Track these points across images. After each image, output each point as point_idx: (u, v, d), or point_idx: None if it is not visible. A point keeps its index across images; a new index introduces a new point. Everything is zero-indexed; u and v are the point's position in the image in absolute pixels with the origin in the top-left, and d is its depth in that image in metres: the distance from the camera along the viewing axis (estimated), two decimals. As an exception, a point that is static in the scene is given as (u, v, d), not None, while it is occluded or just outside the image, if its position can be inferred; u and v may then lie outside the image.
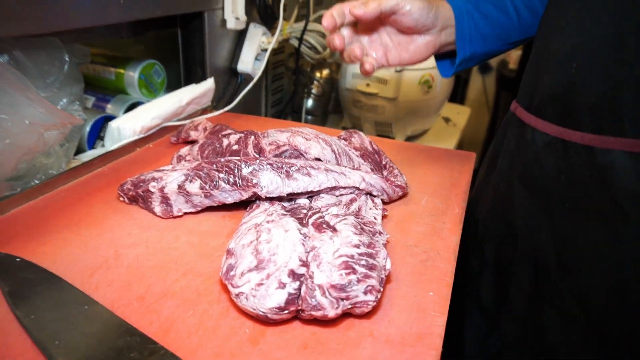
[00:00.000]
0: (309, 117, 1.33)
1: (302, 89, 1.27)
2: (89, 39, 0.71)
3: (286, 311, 0.35)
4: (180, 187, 0.49)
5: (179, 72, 0.93)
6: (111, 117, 0.81)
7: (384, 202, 0.54)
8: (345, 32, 0.56)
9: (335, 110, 1.42)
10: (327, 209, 0.48)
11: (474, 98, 2.59)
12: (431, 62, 1.19)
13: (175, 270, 0.42)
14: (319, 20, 1.14)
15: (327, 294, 0.36)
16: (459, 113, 1.55)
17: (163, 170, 0.51)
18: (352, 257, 0.38)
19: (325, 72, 1.33)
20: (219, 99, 0.92)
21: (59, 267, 0.41)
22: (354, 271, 0.37)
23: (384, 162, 0.61)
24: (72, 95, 0.65)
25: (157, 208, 0.50)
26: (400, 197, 0.57)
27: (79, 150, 0.73)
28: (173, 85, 0.93)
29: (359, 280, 0.37)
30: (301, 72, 1.22)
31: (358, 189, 0.52)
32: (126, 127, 0.66)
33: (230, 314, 0.37)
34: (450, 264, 0.45)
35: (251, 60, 0.91)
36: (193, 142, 0.69)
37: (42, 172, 0.58)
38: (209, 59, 0.85)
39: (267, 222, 0.44)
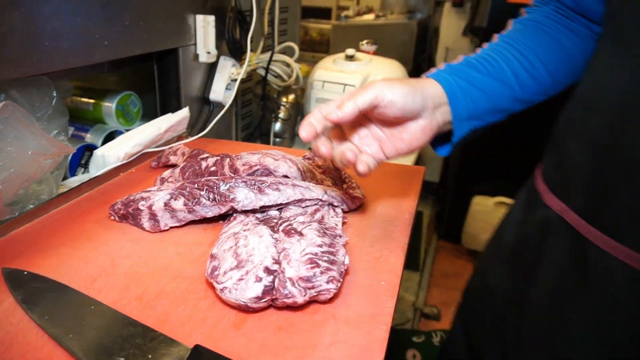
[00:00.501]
0: (277, 140, 1.42)
1: (270, 113, 1.36)
2: (73, 76, 0.77)
3: (263, 300, 0.43)
4: (166, 204, 0.56)
5: (154, 102, 1.00)
6: (91, 146, 0.87)
7: (344, 212, 0.63)
8: (327, 137, 0.50)
9: (301, 132, 1.51)
10: (295, 218, 0.56)
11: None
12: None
13: (166, 275, 0.49)
14: (283, 50, 1.25)
15: (296, 284, 0.44)
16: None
17: (150, 190, 0.58)
18: (316, 254, 0.47)
19: (291, 97, 1.43)
20: (193, 126, 1.00)
21: (63, 277, 0.48)
22: (318, 265, 0.45)
23: (343, 177, 0.70)
24: (59, 127, 0.72)
25: (146, 224, 0.57)
26: (358, 207, 0.65)
27: (64, 179, 0.79)
28: (149, 114, 1.01)
29: (322, 272, 0.45)
30: (268, 98, 1.31)
31: (321, 200, 0.60)
32: (110, 154, 0.73)
33: (215, 306, 0.45)
34: (399, 259, 0.54)
35: (222, 90, 1.00)
36: (173, 165, 0.76)
37: (35, 198, 0.64)
38: (184, 90, 0.93)
39: (244, 230, 0.52)
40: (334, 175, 0.69)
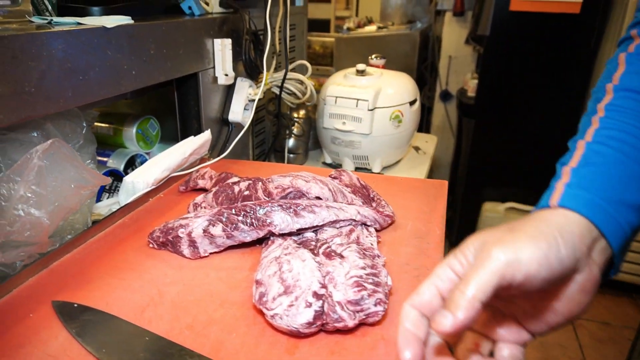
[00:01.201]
0: (291, 156, 1.43)
1: (284, 130, 1.37)
2: (100, 104, 0.79)
3: (314, 325, 0.44)
4: (205, 231, 0.57)
5: (171, 124, 1.01)
6: (115, 171, 0.89)
7: (376, 230, 0.64)
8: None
9: (314, 147, 1.53)
10: (332, 240, 0.57)
11: (439, 124, 2.77)
12: (399, 99, 1.33)
13: (212, 302, 0.50)
14: (296, 69, 1.26)
15: (345, 308, 0.45)
16: (427, 142, 1.69)
17: (188, 217, 0.59)
18: (361, 277, 0.47)
19: (303, 112, 1.45)
20: (212, 147, 1.01)
21: (112, 308, 0.49)
22: (364, 288, 0.46)
23: (371, 195, 0.71)
24: (89, 156, 0.73)
25: (186, 251, 0.58)
26: (389, 225, 0.66)
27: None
28: (166, 136, 1.02)
29: (369, 295, 0.46)
30: (282, 115, 1.32)
31: (354, 220, 0.61)
32: (140, 180, 0.74)
33: (266, 332, 0.46)
34: (437, 277, 0.55)
35: (240, 110, 1.01)
36: (201, 189, 0.77)
37: (71, 228, 0.65)
38: (204, 112, 0.95)
39: (285, 254, 0.52)
40: (362, 193, 0.70)
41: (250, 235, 0.57)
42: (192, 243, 0.57)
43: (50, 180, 0.50)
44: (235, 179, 0.70)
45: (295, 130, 1.39)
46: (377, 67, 1.46)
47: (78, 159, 0.56)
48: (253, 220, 0.57)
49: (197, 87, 0.92)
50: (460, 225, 2.32)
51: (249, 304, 0.49)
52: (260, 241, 0.60)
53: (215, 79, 0.96)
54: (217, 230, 0.57)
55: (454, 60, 2.61)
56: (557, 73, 1.93)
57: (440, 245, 0.62)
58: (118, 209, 0.70)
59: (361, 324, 0.46)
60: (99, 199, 0.86)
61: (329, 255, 0.52)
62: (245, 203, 0.59)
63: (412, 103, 1.38)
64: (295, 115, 1.43)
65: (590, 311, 2.07)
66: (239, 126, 1.03)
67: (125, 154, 0.97)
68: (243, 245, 0.59)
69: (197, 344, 0.44)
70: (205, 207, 0.66)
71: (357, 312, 0.45)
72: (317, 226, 0.59)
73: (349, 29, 2.81)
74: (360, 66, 1.35)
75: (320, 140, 1.46)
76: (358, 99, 1.28)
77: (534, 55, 1.94)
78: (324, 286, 0.47)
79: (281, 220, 0.57)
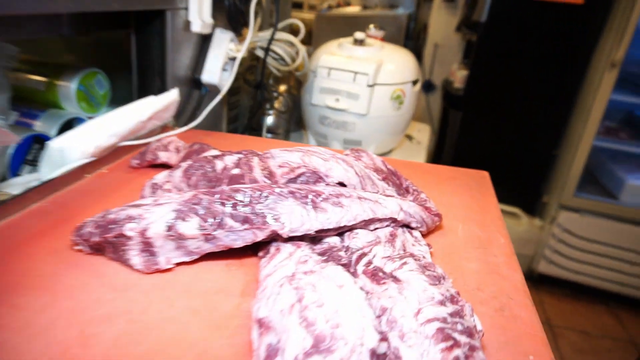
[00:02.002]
0: (269, 136, 1.22)
1: (264, 104, 1.15)
2: (18, 36, 0.54)
3: (376, 416, 0.24)
4: (170, 227, 0.35)
5: (125, 84, 0.78)
6: (42, 137, 0.65)
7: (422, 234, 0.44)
8: None
9: (296, 128, 1.32)
10: (371, 250, 0.37)
11: (418, 116, 2.62)
12: (402, 77, 1.14)
13: (183, 357, 0.28)
14: (287, 29, 1.05)
15: (427, 381, 0.25)
16: (419, 130, 1.52)
17: (142, 205, 0.37)
18: (444, 320, 0.28)
19: (283, 87, 1.23)
20: (178, 115, 0.78)
21: (-10, 368, 0.26)
22: (457, 343, 0.26)
23: (405, 185, 0.51)
24: (-6, 107, 0.49)
25: (136, 259, 0.36)
26: (435, 227, 0.47)
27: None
28: (119, 98, 0.78)
29: (466, 357, 0.26)
30: (263, 85, 1.10)
31: (396, 220, 0.41)
32: (73, 148, 0.51)
33: (281, 423, 0.25)
34: (531, 313, 0.36)
35: (218, 70, 0.79)
36: (161, 165, 0.55)
37: (-48, 213, 0.41)
38: (170, 67, 0.71)
39: (305, 273, 0.32)
40: (394, 182, 0.50)
41: (242, 238, 0.36)
42: (147, 247, 0.35)
43: None
44: (215, 152, 0.48)
45: (277, 105, 1.17)
46: (376, 39, 1.26)
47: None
48: (249, 215, 0.36)
49: (164, 32, 0.69)
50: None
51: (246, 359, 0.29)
52: (256, 247, 0.39)
53: (188, 24, 0.72)
54: (189, 227, 0.35)
55: (440, 49, 2.46)
56: (553, 65, 1.81)
57: (513, 259, 0.43)
58: (34, 186, 0.46)
59: (449, 407, 0.26)
60: (14, 173, 0.61)
61: (375, 276, 0.32)
62: (236, 186, 0.38)
63: (414, 83, 1.20)
64: (280, 88, 1.21)
65: (569, 319, 2.00)
66: (214, 90, 0.80)
67: (60, 117, 0.73)
68: (228, 253, 0.38)
69: None
70: (169, 191, 0.44)
71: (447, 388, 0.25)
72: (344, 227, 0.39)
73: (329, 7, 2.60)
74: (359, 34, 1.15)
75: (304, 120, 1.25)
76: (356, 72, 1.08)
77: (531, 44, 1.81)
78: (384, 337, 0.27)
79: (293, 215, 0.36)
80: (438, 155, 2.37)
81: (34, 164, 0.63)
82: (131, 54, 0.72)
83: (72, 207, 0.45)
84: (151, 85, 0.72)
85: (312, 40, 2.54)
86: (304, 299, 0.29)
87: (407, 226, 0.43)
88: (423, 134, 1.52)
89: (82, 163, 0.52)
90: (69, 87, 0.74)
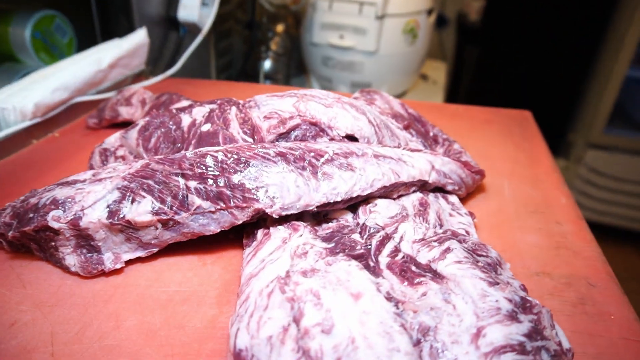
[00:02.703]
0: (267, 82, 1.09)
1: (259, 47, 1.02)
2: None
3: None
4: (113, 213, 0.25)
5: (91, 27, 0.65)
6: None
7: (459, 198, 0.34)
8: None
9: (297, 73, 1.19)
10: (395, 229, 0.26)
11: (431, 53, 2.44)
12: (415, 5, 0.99)
13: (122, 413, 0.19)
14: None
15: None
16: (434, 69, 1.38)
17: (76, 182, 0.27)
18: (522, 349, 0.18)
19: (281, 27, 1.09)
20: (154, 61, 0.66)
21: None
22: (547, 390, 0.16)
23: (432, 134, 0.40)
24: None
25: (70, 259, 0.26)
26: (475, 187, 0.36)
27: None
28: (86, 46, 0.66)
29: (565, 414, 0.16)
30: (257, 24, 0.97)
31: (426, 183, 0.31)
32: (10, 107, 0.40)
33: None
34: (623, 306, 0.26)
35: (196, 5, 0.65)
36: (125, 124, 0.44)
37: None
38: (137, 3, 0.59)
39: (303, 273, 0.22)
40: (418, 130, 0.39)
41: (216, 222, 0.26)
42: (85, 241, 0.25)
43: None
44: (185, 103, 0.37)
45: (273, 47, 1.04)
46: (383, -37, 1.10)
47: None
48: (223, 189, 0.25)
49: (122, -43, 0.56)
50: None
51: (220, 414, 0.19)
52: (239, 231, 0.29)
53: (152, -54, 0.59)
54: (140, 210, 0.25)
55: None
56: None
57: (583, 226, 0.33)
58: (-42, 161, 0.36)
59: None
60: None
61: (405, 272, 0.22)
62: (204, 150, 0.27)
63: (429, 13, 1.05)
64: (277, 28, 1.07)
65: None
66: (194, 30, 0.68)
67: (16, 71, 0.62)
68: (202, 240, 0.28)
69: None
70: (123, 158, 0.34)
71: None
72: (357, 197, 0.28)
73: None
74: (363, -43, 0.99)
75: (305, 62, 1.12)
76: (362, 2, 0.94)
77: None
78: (430, 385, 0.17)
79: (285, 186, 0.26)
80: (453, 95, 2.22)
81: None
82: (88, -11, 0.59)
83: (10, 184, 0.35)
84: (116, 27, 0.60)
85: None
86: (302, 317, 0.19)
87: (440, 190, 0.33)
88: (438, 72, 1.38)
89: (24, 126, 0.41)
90: (22, 34, 0.62)
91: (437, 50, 2.53)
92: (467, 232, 0.29)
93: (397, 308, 0.20)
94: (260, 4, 0.88)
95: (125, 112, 0.43)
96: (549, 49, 1.74)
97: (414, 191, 0.31)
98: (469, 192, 0.35)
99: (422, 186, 0.31)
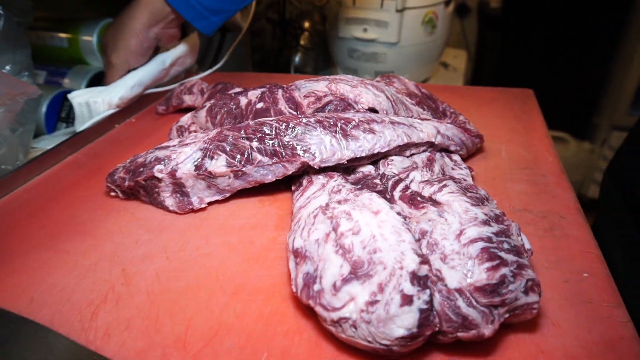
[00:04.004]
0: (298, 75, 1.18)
1: (289, 42, 1.11)
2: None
3: (420, 337, 0.23)
4: (198, 167, 0.34)
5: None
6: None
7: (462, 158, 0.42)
8: None
9: (324, 66, 1.27)
10: (407, 175, 0.35)
11: (453, 42, 2.47)
12: (433, -2, 1.06)
13: (220, 290, 0.28)
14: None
15: (473, 302, 0.24)
16: (455, 57, 1.43)
17: (168, 146, 0.36)
18: (489, 240, 0.26)
19: (307, 24, 1.17)
20: (200, 59, 0.76)
21: (40, 309, 0.27)
22: (503, 262, 0.25)
23: (441, 108, 0.48)
24: (16, 64, 0.49)
25: (169, 200, 0.35)
26: (476, 150, 0.44)
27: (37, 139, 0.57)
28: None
29: (514, 275, 0.24)
30: (287, 22, 1.06)
31: (433, 144, 0.39)
32: (99, 100, 0.50)
33: (323, 349, 0.25)
34: (584, 230, 0.33)
35: (236, 7, 0.75)
36: (188, 109, 0.54)
37: (-7, 169, 0.42)
38: (186, 8, 0.68)
39: (339, 202, 0.30)
40: (429, 105, 0.47)
41: (272, 172, 0.35)
42: (179, 187, 0.35)
43: None
44: (239, 89, 0.46)
45: (302, 42, 1.12)
46: (402, -41, 1.17)
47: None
48: (277, 147, 0.35)
49: (174, -30, 0.65)
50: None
51: (285, 291, 0.28)
52: (288, 182, 0.38)
53: (198, -41, 0.68)
54: (218, 164, 0.34)
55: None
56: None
57: (563, 177, 0.40)
58: (67, 140, 0.47)
59: (501, 329, 0.25)
60: (51, 130, 0.62)
61: (413, 200, 0.31)
62: (261, 120, 0.36)
63: (447, 3, 1.11)
64: (305, 24, 1.16)
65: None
66: (233, 29, 0.77)
67: (87, 72, 0.72)
68: (261, 188, 0.37)
69: (196, 380, 0.23)
70: (195, 132, 0.43)
71: (495, 307, 0.24)
72: (378, 154, 0.36)
73: None
74: (383, -45, 1.06)
75: (332, 56, 1.20)
76: (384, -3, 1.01)
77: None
78: (425, 260, 0.25)
79: (323, 145, 0.35)
80: (477, 81, 2.25)
81: (67, 121, 0.64)
82: (146, -1, 0.69)
83: (104, 156, 0.46)
84: (170, 29, 0.70)
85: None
86: (339, 227, 0.28)
87: (446, 150, 0.41)
88: (459, 60, 1.43)
89: (109, 114, 0.52)
90: (90, 41, 0.73)
91: (459, 39, 2.55)
92: (464, 179, 0.37)
93: (405, 220, 0.28)
94: (289, 3, 0.97)
95: (188, 99, 0.53)
96: (571, 33, 1.76)
97: (424, 151, 0.39)
98: (470, 153, 0.43)
99: (430, 147, 0.39)
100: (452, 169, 0.39)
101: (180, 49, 0.63)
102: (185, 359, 0.24)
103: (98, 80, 0.70)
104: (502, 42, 1.86)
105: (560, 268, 0.30)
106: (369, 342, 0.23)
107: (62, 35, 0.76)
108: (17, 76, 0.48)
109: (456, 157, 0.40)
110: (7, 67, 0.45)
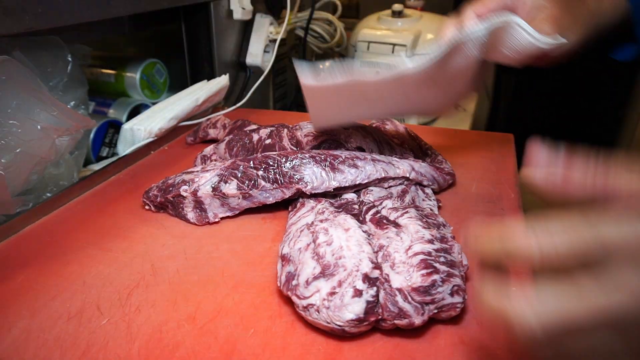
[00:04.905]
0: (316, 111, 1.28)
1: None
2: (89, 37, 0.65)
3: (366, 322, 0.31)
4: (215, 189, 0.44)
5: (180, 70, 0.87)
6: (115, 122, 0.76)
7: (434, 192, 0.50)
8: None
9: (341, 102, 1.37)
10: (381, 203, 0.43)
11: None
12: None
13: (223, 283, 0.37)
14: (324, 7, 1.09)
15: (409, 298, 0.31)
16: (467, 98, 1.51)
17: (193, 172, 0.46)
18: (429, 254, 0.34)
19: (327, 64, 1.28)
20: (228, 95, 0.87)
21: (90, 289, 0.36)
22: (436, 270, 0.32)
23: (424, 149, 0.56)
24: (77, 99, 0.60)
25: (190, 214, 0.45)
26: (449, 186, 0.52)
27: (87, 161, 0.68)
28: (176, 84, 0.88)
29: (443, 281, 0.32)
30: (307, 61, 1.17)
31: (408, 179, 0.47)
32: (141, 128, 0.61)
33: (297, 329, 0.33)
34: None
35: (260, 53, 0.86)
36: (212, 140, 0.64)
37: (53, 184, 0.52)
38: (217, 53, 0.80)
39: (321, 221, 0.39)
40: (413, 146, 0.55)
41: (273, 196, 0.44)
42: (199, 204, 0.44)
43: (5, 117, 0.37)
44: (253, 127, 0.56)
45: (321, 81, 1.23)
46: (415, 9, 1.27)
47: (44, 91, 0.42)
48: (277, 176, 0.44)
49: (209, 22, 0.77)
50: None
51: (273, 287, 0.37)
52: (286, 204, 0.46)
53: (230, 12, 0.80)
54: (230, 188, 0.44)
55: None
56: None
57: (517, 210, 0.47)
58: (111, 162, 0.57)
59: (430, 322, 0.33)
60: (96, 155, 0.74)
61: (379, 223, 0.39)
62: (267, 154, 0.45)
63: (455, 50, 1.20)
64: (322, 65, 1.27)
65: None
66: (258, 71, 0.88)
67: (129, 104, 0.84)
68: (264, 208, 0.46)
69: (200, 345, 0.31)
70: (215, 160, 0.53)
71: (426, 304, 0.31)
72: (359, 185, 0.45)
73: (376, -22, 2.57)
74: (397, 6, 1.17)
75: (348, 94, 1.30)
76: (394, 44, 1.11)
77: None
78: (377, 266, 0.33)
79: (314, 176, 0.43)
80: (492, 123, 2.31)
81: (110, 145, 0.75)
82: (183, 44, 0.81)
83: (141, 177, 0.56)
84: (202, 71, 0.81)
85: (359, 14, 2.54)
86: (317, 239, 0.36)
87: (420, 184, 0.49)
88: (469, 101, 1.51)
89: (148, 141, 0.62)
90: (134, 77, 0.85)
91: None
92: (431, 209, 0.45)
93: (370, 236, 0.37)
94: (309, 47, 1.08)
95: (212, 133, 0.63)
96: (586, 74, 1.81)
97: (400, 184, 0.47)
98: (442, 187, 0.50)
99: (406, 180, 0.48)
100: (423, 200, 0.47)
101: (212, 88, 0.74)
102: (194, 329, 0.32)
103: (137, 111, 0.81)
104: (515, 84, 1.93)
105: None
106: (327, 323, 0.31)
107: (110, 71, 0.88)
108: (76, 109, 0.60)
109: (428, 191, 0.48)
110: (71, 104, 0.56)
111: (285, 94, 1.24)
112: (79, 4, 0.50)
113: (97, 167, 0.65)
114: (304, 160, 0.44)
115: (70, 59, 0.58)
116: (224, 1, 0.79)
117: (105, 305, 0.34)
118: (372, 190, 0.45)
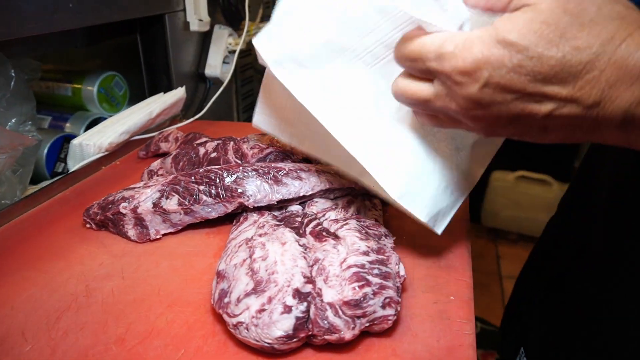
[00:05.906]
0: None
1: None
2: (38, 51, 0.64)
3: (295, 339, 0.30)
4: (155, 205, 0.43)
5: (141, 83, 0.86)
6: (72, 137, 0.74)
7: (381, 202, 0.50)
8: None
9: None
10: (324, 215, 0.43)
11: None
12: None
13: (158, 303, 0.36)
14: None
15: (340, 312, 0.31)
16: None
17: (134, 188, 0.45)
18: (362, 266, 0.34)
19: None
20: (187, 107, 0.86)
21: (17, 314, 0.35)
22: (368, 283, 0.32)
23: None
24: (22, 115, 0.58)
25: (131, 231, 0.44)
26: (399, 194, 0.52)
27: (40, 176, 0.66)
28: (136, 96, 0.87)
29: (374, 293, 0.32)
30: (272, 73, 1.16)
31: (354, 189, 0.47)
32: (90, 143, 0.60)
33: (228, 348, 0.32)
34: (465, 262, 0.41)
35: (219, 64, 0.86)
36: (164, 154, 0.63)
37: (-5, 204, 0.51)
38: (174, 65, 0.79)
39: (260, 235, 0.38)
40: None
41: (215, 210, 0.43)
42: (139, 221, 0.43)
43: None
44: (203, 139, 0.55)
45: (287, 91, 1.23)
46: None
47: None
48: (219, 190, 0.43)
49: (165, 34, 0.77)
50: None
51: (209, 305, 0.36)
52: (232, 218, 0.46)
53: (186, 24, 0.80)
54: (171, 203, 0.43)
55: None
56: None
57: (464, 217, 0.48)
58: (58, 179, 0.56)
59: (364, 334, 0.33)
60: (51, 170, 0.72)
61: (318, 235, 0.38)
62: (209, 168, 0.45)
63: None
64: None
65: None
66: (218, 82, 0.88)
67: (86, 118, 0.82)
68: (208, 223, 0.45)
69: (127, 368, 0.30)
70: (163, 175, 0.52)
71: (358, 317, 0.31)
72: (304, 197, 0.45)
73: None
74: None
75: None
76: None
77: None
78: (310, 281, 0.33)
79: (256, 189, 0.43)
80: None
81: (65, 161, 0.73)
82: (140, 56, 0.80)
83: (88, 194, 0.54)
84: (159, 83, 0.80)
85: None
86: (253, 254, 0.36)
87: (367, 195, 0.49)
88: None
89: (99, 157, 0.61)
90: (91, 90, 0.83)
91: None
92: (376, 219, 0.45)
93: (305, 250, 0.36)
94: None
95: (164, 146, 0.62)
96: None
97: (347, 194, 0.47)
98: (391, 196, 0.50)
99: (354, 191, 0.48)
100: (369, 210, 0.46)
101: (167, 100, 0.73)
102: (122, 352, 0.31)
103: (95, 124, 0.80)
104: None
105: (434, 292, 0.37)
106: (257, 341, 0.30)
107: (67, 85, 0.86)
108: (22, 125, 0.58)
109: (376, 201, 0.48)
110: (13, 120, 0.54)
111: (252, 104, 1.23)
112: (19, 17, 0.49)
113: (45, 183, 0.63)
114: (246, 174, 0.43)
115: (13, 74, 0.57)
116: (181, 13, 0.78)
117: (31, 330, 0.33)
118: (317, 201, 0.45)
